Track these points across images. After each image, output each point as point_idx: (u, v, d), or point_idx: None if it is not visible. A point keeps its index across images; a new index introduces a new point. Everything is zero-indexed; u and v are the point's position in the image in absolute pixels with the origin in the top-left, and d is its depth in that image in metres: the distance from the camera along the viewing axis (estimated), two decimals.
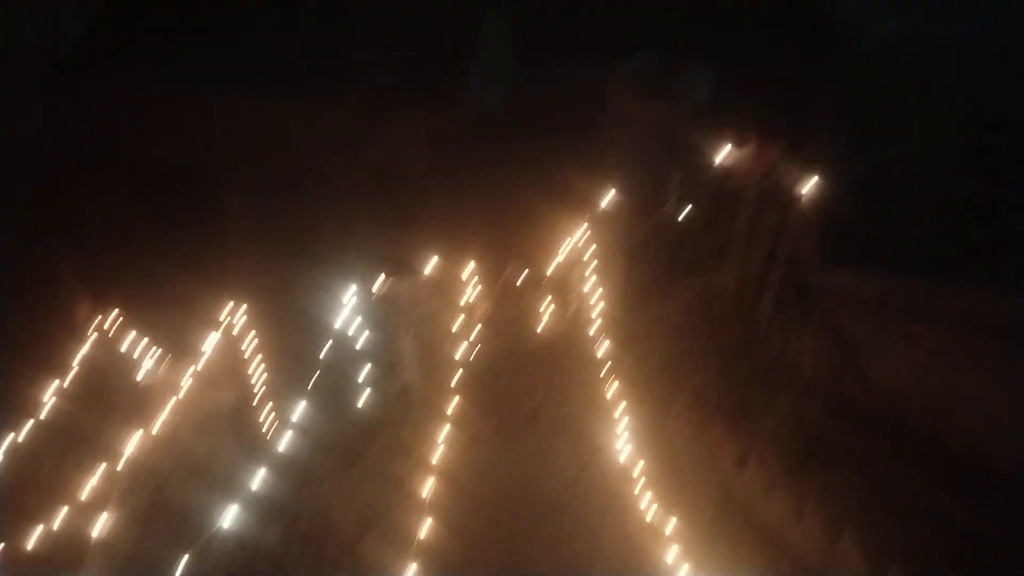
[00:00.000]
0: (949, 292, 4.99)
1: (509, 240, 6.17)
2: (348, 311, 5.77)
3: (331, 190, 6.26)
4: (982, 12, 6.27)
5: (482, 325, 5.83)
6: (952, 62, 6.14)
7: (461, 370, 5.59)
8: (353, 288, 5.81)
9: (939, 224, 5.38)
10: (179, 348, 5.65)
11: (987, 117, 5.86)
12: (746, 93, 5.95)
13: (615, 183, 6.12)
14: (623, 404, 5.38)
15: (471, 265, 6.02)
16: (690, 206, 6.05)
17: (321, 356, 5.58)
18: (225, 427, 5.38)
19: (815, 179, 5.47)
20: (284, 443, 5.24)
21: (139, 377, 5.57)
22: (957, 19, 6.25)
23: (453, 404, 5.42)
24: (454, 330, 5.78)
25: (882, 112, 5.92)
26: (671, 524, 4.81)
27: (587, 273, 6.13)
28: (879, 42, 6.22)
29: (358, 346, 5.71)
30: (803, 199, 5.54)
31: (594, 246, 6.18)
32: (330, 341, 5.65)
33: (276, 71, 6.54)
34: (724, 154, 5.87)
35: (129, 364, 5.60)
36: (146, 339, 5.70)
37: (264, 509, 4.94)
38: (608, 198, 6.12)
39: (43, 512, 4.88)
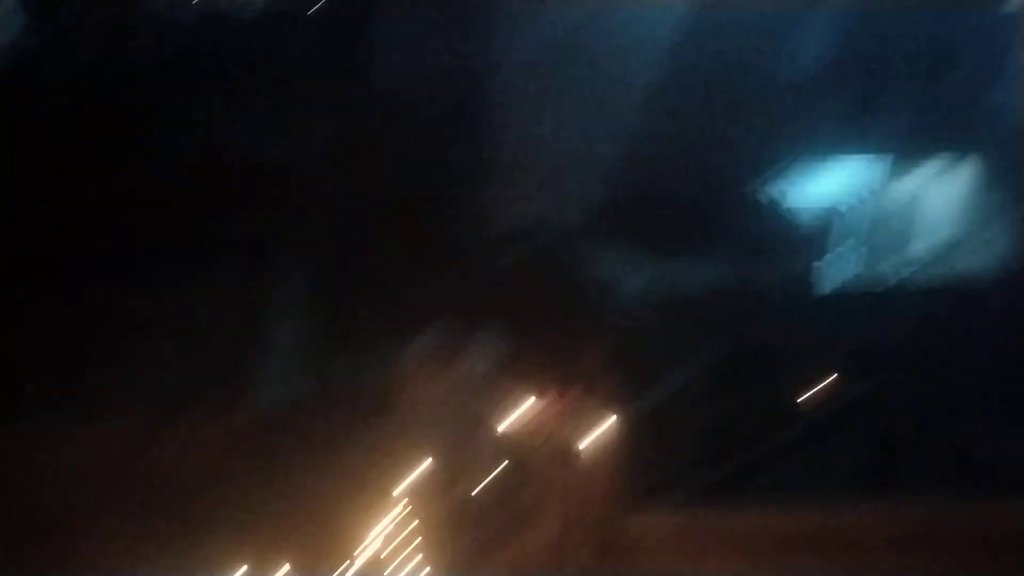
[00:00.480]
0: (738, 515, 5.43)
1: (323, 533, 5.89)
2: None
3: (115, 514, 5.73)
4: (724, 259, 7.37)
5: None
6: (702, 301, 7.05)
7: None
8: None
9: (714, 449, 5.95)
10: None
11: (735, 346, 6.69)
12: (533, 353, 6.45)
13: (425, 456, 6.16)
14: None
15: (284, 569, 5.62)
16: (502, 466, 6.19)
17: None
18: None
19: (607, 423, 5.94)
20: None
21: None
22: (703, 267, 7.28)
23: None
24: None
25: (648, 354, 6.57)
26: None
27: (408, 552, 5.94)
28: (636, 292, 7.02)
29: None
30: (598, 444, 5.91)
31: (415, 522, 6.05)
32: None
33: (51, 390, 6.13)
34: (522, 412, 6.17)
35: None
36: None
37: None
38: (419, 471, 6.11)
39: None
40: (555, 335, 6.29)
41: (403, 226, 7.59)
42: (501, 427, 6.03)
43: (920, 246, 8.26)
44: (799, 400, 6.29)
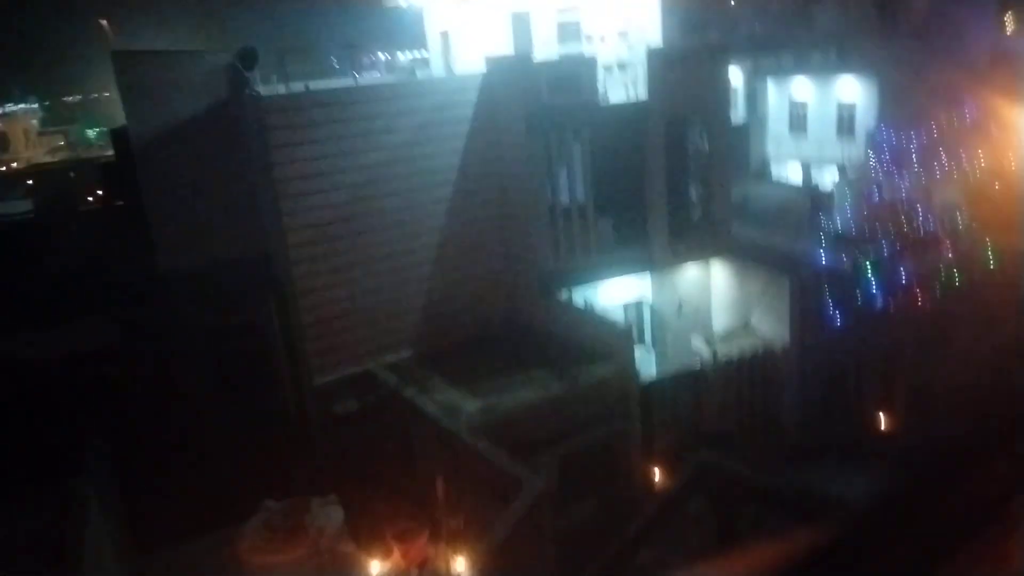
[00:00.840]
0: None
1: None
2: None
3: None
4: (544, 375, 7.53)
5: None
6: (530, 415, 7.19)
7: None
8: None
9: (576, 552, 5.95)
10: None
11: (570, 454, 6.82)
12: (361, 504, 6.30)
13: None
14: None
15: None
16: None
17: None
18: None
19: (460, 558, 5.79)
20: None
21: None
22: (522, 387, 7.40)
23: None
24: None
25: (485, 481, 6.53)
26: None
27: None
28: (465, 423, 7.03)
29: None
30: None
31: None
32: None
33: None
34: (377, 567, 5.92)
35: None
36: None
37: None
38: None
39: None
40: (393, 485, 6.13)
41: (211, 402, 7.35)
42: None
43: (711, 333, 9.16)
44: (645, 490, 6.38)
